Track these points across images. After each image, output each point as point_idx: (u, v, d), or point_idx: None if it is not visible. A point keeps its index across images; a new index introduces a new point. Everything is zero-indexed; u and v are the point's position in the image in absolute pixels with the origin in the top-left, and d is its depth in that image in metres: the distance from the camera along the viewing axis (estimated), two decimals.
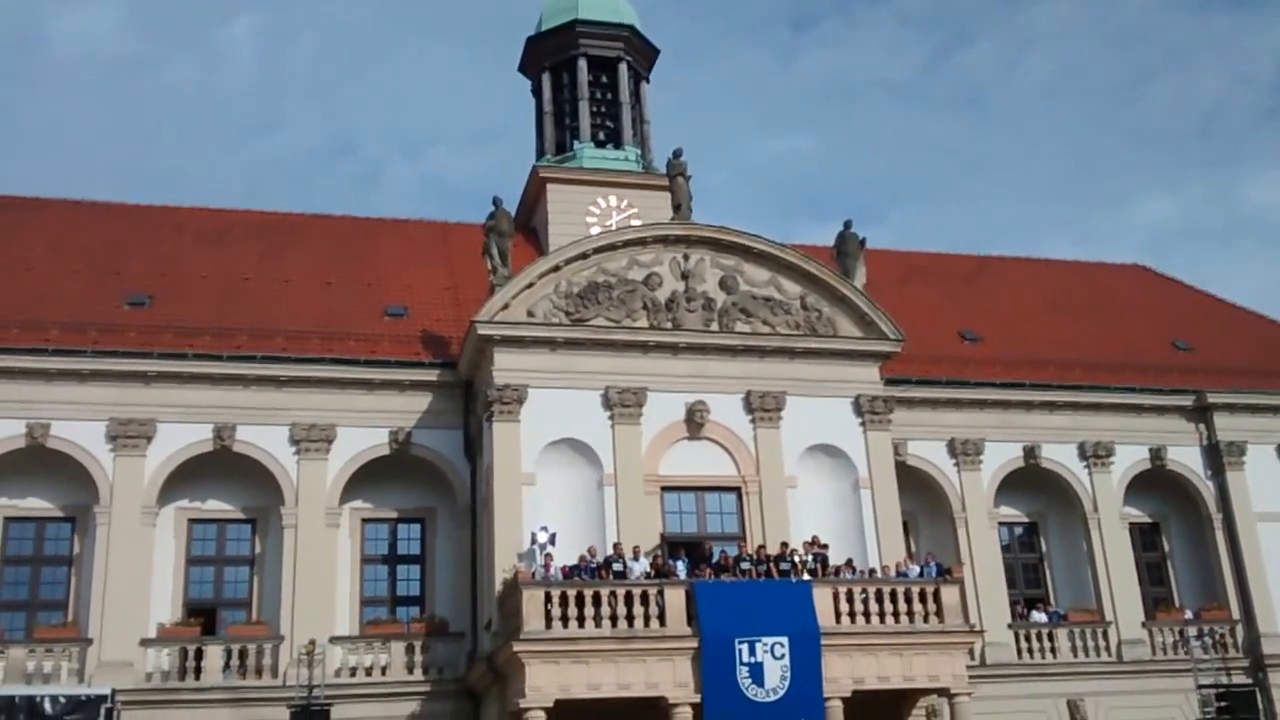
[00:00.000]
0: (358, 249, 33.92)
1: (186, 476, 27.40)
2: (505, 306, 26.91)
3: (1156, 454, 33.13)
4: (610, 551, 24.63)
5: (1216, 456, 33.42)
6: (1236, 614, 32.28)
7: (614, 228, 32.32)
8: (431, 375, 28.69)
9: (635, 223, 32.19)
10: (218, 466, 27.67)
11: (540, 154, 37.40)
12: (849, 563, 25.75)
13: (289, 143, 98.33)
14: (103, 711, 21.98)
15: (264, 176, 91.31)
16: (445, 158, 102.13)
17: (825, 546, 25.80)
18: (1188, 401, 33.56)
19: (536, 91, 38.68)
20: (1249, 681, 29.86)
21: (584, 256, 27.88)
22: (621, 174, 35.93)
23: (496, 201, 28.44)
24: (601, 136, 37.22)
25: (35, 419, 26.49)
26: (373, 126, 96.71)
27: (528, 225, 35.77)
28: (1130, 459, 32.93)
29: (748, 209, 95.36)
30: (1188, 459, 33.50)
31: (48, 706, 21.96)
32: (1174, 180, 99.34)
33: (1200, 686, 27.57)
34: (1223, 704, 27.13)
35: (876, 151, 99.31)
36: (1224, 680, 28.08)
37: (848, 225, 29.96)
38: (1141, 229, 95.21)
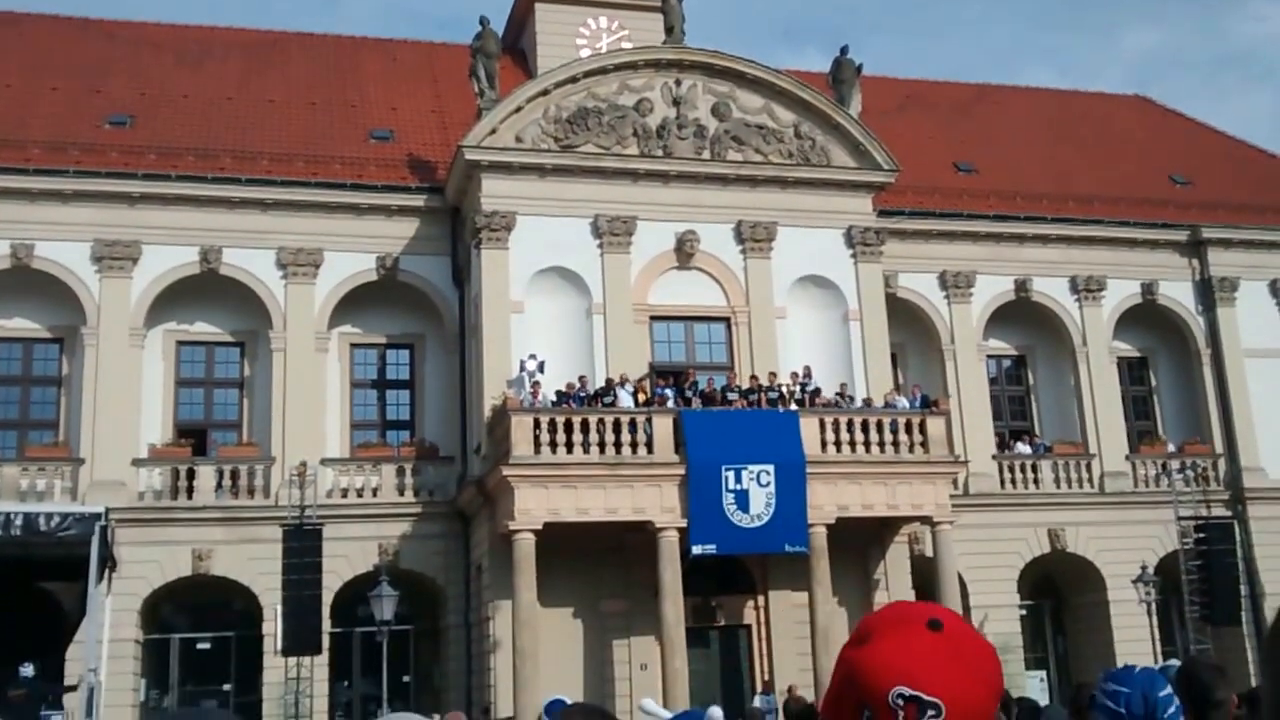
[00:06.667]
0: (341, 69, 33.16)
1: (173, 299, 27.28)
2: (493, 131, 26.40)
3: (1148, 289, 33.03)
4: (602, 384, 24.70)
5: (1208, 292, 33.34)
6: (1219, 448, 32.63)
7: (604, 51, 31.51)
8: (419, 200, 28.33)
9: (626, 46, 31.39)
10: (205, 289, 27.53)
11: None
12: (842, 389, 25.84)
13: None
14: (97, 529, 22.15)
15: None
16: None
17: (817, 390, 25.78)
18: (1182, 236, 33.33)
19: None
20: (1228, 514, 30.29)
21: (574, 80, 27.24)
22: None
23: (483, 21, 27.59)
24: None
25: (19, 239, 26.25)
26: None
27: (515, 47, 34.82)
28: (1121, 293, 32.85)
29: (721, 35, 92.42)
30: (1179, 294, 33.43)
31: (42, 523, 22.08)
32: (1160, 9, 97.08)
33: (1180, 518, 28.00)
34: (1201, 535, 27.61)
35: None
36: (1204, 513, 28.54)
37: (844, 51, 29.25)
38: (1127, 59, 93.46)
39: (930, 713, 1.74)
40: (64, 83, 30.02)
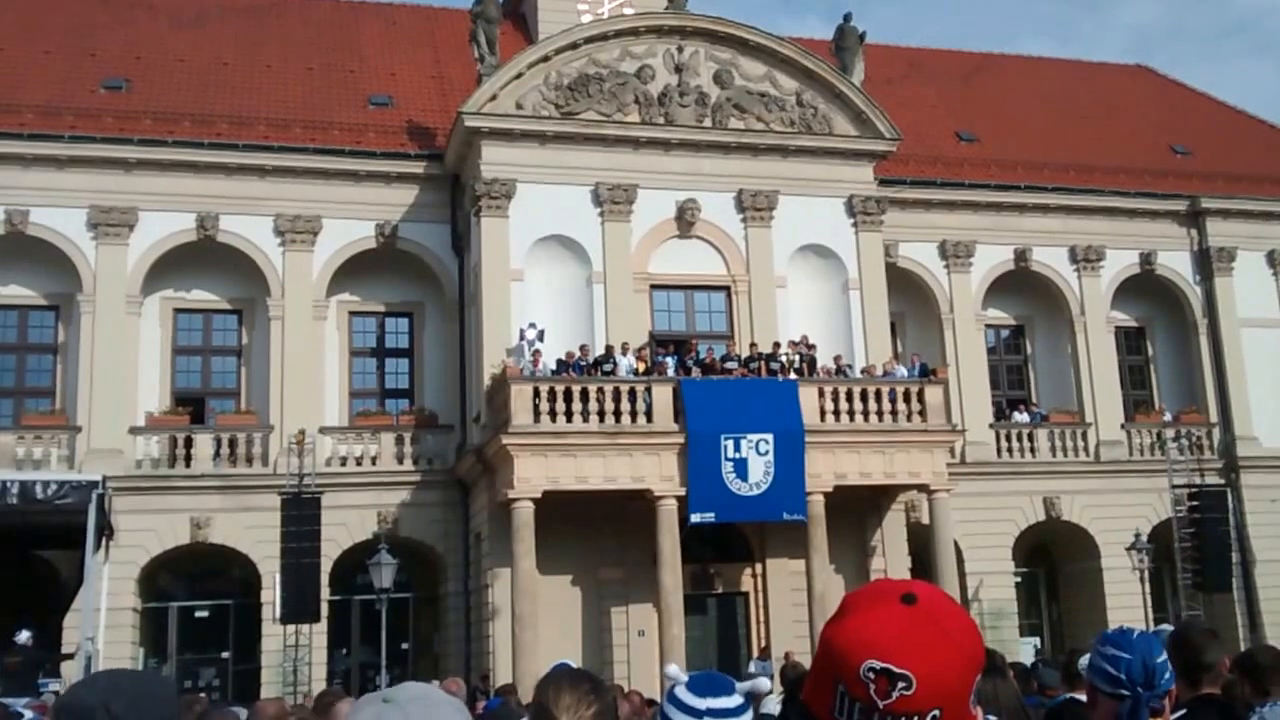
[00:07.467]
0: (339, 34, 32.82)
1: (170, 266, 27.14)
2: (493, 97, 26.22)
3: (1147, 259, 33.01)
4: (602, 353, 24.68)
5: (1206, 262, 33.35)
6: (1214, 417, 32.74)
7: (606, 16, 31.26)
8: (418, 167, 28.18)
9: (628, 11, 31.15)
10: (202, 256, 27.37)
11: None
12: (837, 360, 25.84)
13: None
14: (94, 497, 22.11)
15: None
16: None
17: (813, 347, 25.90)
18: (1181, 206, 33.29)
19: None
20: (1222, 482, 30.48)
21: (574, 46, 27.05)
22: None
23: None
24: None
25: (13, 205, 26.06)
26: None
27: (516, 12, 34.56)
28: (1120, 263, 32.85)
29: (723, 1, 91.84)
30: (1177, 264, 33.44)
31: (39, 491, 22.02)
32: None
33: (1174, 486, 28.18)
34: (1194, 503, 27.80)
35: None
36: (1197, 481, 28.67)
37: (847, 19, 29.05)
38: (1128, 28, 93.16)
39: (901, 685, 1.74)
40: (57, 45, 29.71)
